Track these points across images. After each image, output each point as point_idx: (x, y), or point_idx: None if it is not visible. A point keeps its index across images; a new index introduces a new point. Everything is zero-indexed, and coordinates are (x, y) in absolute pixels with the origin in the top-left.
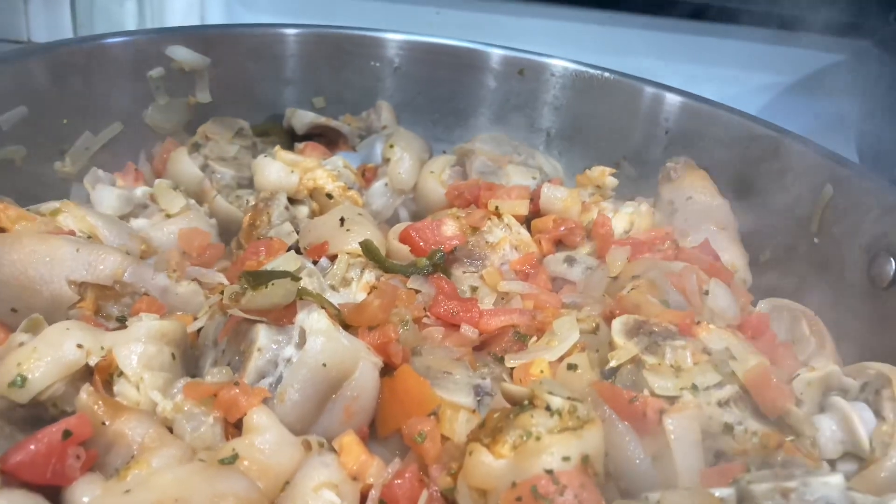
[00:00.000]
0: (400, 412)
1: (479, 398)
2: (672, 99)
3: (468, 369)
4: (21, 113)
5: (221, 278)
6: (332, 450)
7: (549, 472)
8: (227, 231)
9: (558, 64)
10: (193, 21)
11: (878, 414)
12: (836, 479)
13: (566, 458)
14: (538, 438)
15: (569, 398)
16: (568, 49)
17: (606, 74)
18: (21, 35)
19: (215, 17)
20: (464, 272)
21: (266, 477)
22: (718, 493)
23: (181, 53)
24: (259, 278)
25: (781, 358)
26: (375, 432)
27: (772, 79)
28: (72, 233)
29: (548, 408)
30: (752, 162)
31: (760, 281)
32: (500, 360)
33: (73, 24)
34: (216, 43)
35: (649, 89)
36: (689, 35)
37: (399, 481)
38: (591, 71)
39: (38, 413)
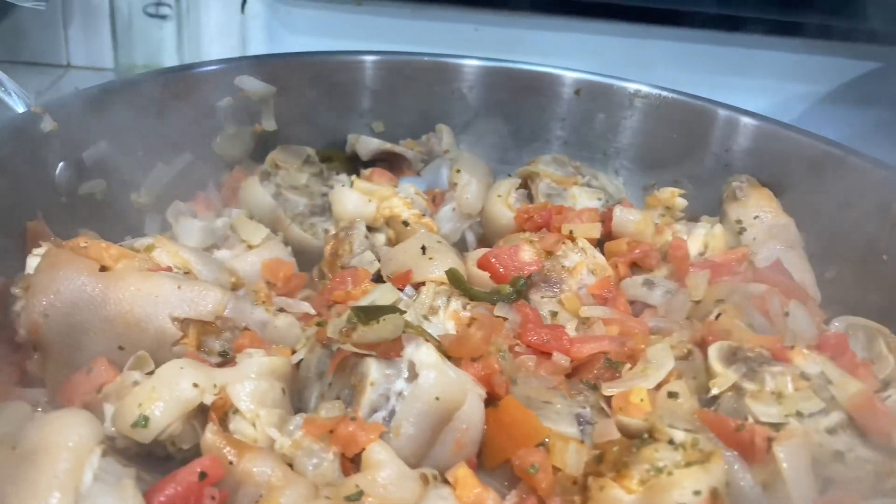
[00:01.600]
0: (507, 443)
1: (581, 427)
2: (733, 118)
3: (566, 398)
4: (102, 148)
5: (307, 308)
6: (447, 483)
7: None
8: (301, 259)
9: (616, 84)
10: (232, 45)
11: None
12: None
13: (697, 493)
14: (670, 474)
15: (689, 430)
16: (600, 63)
17: (665, 94)
18: (61, 60)
19: (255, 41)
20: (542, 297)
21: None
22: None
23: (250, 83)
24: (369, 314)
25: (862, 378)
26: (480, 464)
27: (807, 88)
28: (168, 269)
29: (670, 441)
30: (815, 179)
31: (829, 299)
32: (593, 388)
33: (114, 50)
34: (280, 71)
35: (708, 108)
36: (721, 47)
37: None
38: (651, 90)
39: (151, 450)
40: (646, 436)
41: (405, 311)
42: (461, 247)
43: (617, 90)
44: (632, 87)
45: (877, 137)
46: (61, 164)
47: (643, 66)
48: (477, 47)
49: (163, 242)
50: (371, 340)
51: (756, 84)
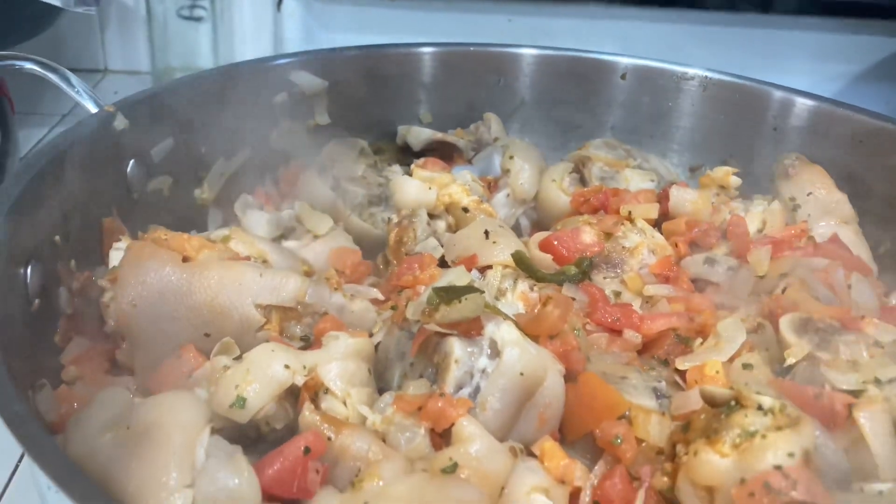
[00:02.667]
0: (589, 417)
1: (659, 401)
2: (777, 95)
3: (641, 373)
4: (169, 145)
5: (377, 294)
6: (533, 455)
7: (778, 467)
8: (362, 248)
9: (659, 66)
10: (266, 44)
11: None
12: None
13: (791, 455)
14: (763, 437)
15: (777, 396)
16: (631, 49)
17: (712, 75)
18: (98, 64)
19: (291, 39)
20: (604, 278)
21: (486, 483)
22: None
23: (304, 78)
24: (451, 294)
25: None
26: (563, 438)
27: (842, 68)
28: (247, 258)
29: (759, 407)
30: (864, 154)
31: (884, 272)
32: (665, 364)
33: (151, 53)
34: (331, 66)
35: (759, 88)
36: (752, 28)
37: (611, 482)
38: (698, 72)
39: (244, 431)
40: (733, 403)
41: (483, 292)
42: (516, 232)
43: (665, 73)
44: (679, 69)
45: None
46: (132, 162)
47: (675, 50)
48: (510, 37)
49: (238, 233)
50: (454, 319)
51: (789, 65)
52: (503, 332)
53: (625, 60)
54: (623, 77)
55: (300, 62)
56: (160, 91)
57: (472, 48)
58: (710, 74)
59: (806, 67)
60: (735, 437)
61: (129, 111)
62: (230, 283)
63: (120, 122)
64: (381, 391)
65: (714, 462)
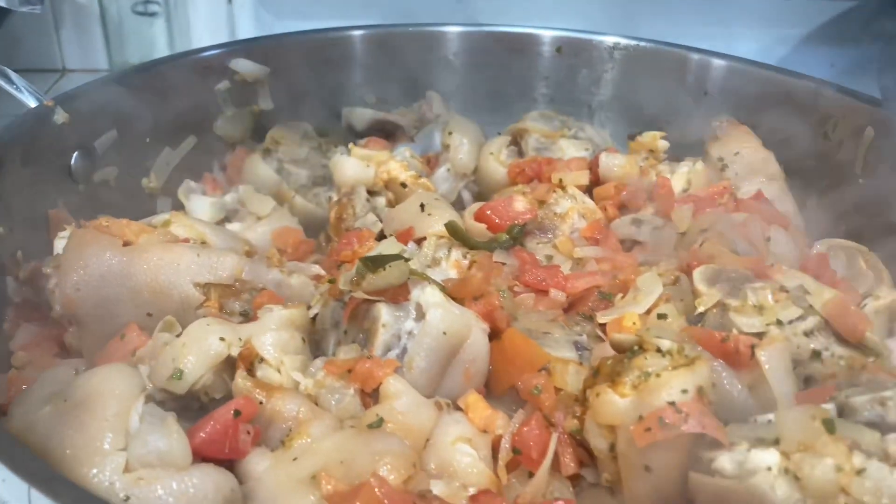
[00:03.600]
0: (512, 371)
1: (579, 353)
2: (707, 61)
3: (564, 328)
4: (112, 136)
5: (318, 270)
6: (459, 409)
7: (672, 403)
8: (308, 227)
9: (594, 38)
10: (222, 36)
11: None
12: None
13: (684, 391)
14: (658, 376)
15: (677, 340)
16: (582, 20)
17: (643, 44)
18: (56, 63)
19: (245, 31)
20: (537, 243)
21: (410, 436)
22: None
23: (244, 65)
24: (376, 262)
25: (844, 292)
26: (490, 392)
27: (786, 31)
28: (186, 240)
29: (658, 350)
30: (791, 114)
31: (812, 225)
32: (589, 319)
33: (107, 49)
34: (272, 52)
35: (687, 55)
36: None
37: (527, 428)
38: (630, 42)
39: (186, 404)
40: (636, 348)
41: (410, 259)
42: (458, 205)
43: (596, 45)
44: (610, 40)
45: (858, 74)
46: (76, 154)
47: (626, 20)
48: (460, 17)
49: (178, 217)
50: (380, 287)
51: (736, 31)
52: (427, 296)
53: (556, 33)
54: (559, 50)
55: (240, 50)
56: (101, 84)
57: (402, 28)
58: (640, 43)
59: (753, 33)
60: (635, 379)
61: (68, 105)
62: (169, 264)
63: (60, 116)
64: (318, 358)
65: (614, 402)
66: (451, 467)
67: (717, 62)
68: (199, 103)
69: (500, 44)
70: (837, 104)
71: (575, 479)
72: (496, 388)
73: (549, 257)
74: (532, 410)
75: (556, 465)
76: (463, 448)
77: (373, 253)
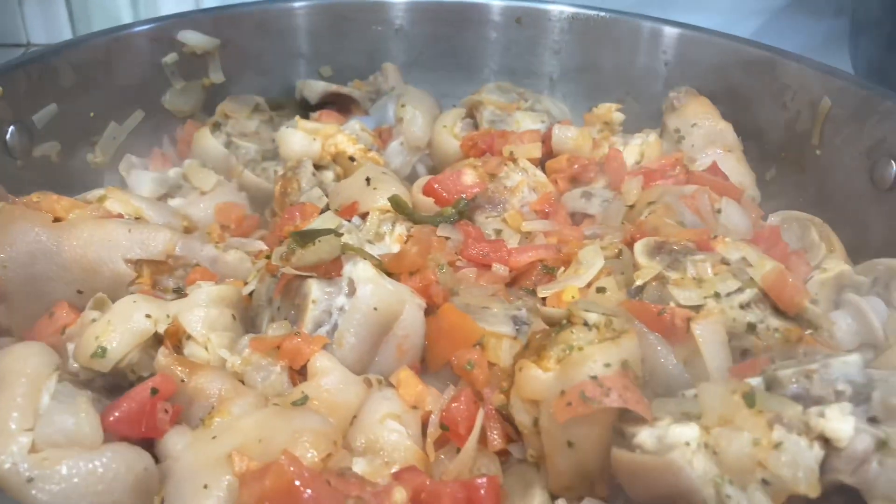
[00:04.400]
0: (447, 346)
1: (517, 327)
2: (668, 31)
3: (504, 303)
4: (52, 111)
5: (261, 245)
6: (391, 385)
7: (594, 377)
8: (257, 202)
9: (554, 9)
10: (188, 5)
11: (890, 304)
12: (854, 358)
13: (608, 365)
14: (580, 349)
15: (604, 313)
16: None
17: (602, 14)
18: (20, 38)
19: (209, 1)
20: (486, 217)
21: (335, 413)
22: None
23: (192, 37)
24: (306, 237)
25: (795, 265)
26: (426, 368)
27: (762, 4)
28: (120, 216)
29: (585, 323)
30: (750, 84)
31: (770, 196)
32: (532, 293)
33: (71, 23)
34: (223, 23)
35: (645, 24)
36: None
37: (456, 404)
38: (587, 12)
39: (117, 382)
40: (564, 322)
41: (341, 234)
42: (412, 179)
43: (554, 15)
44: (568, 10)
45: (833, 46)
46: (11, 129)
47: None
48: None
49: (114, 192)
50: (310, 262)
51: (707, 3)
52: (359, 271)
53: (507, 3)
54: (518, 21)
55: (188, 21)
56: (38, 56)
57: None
58: (594, 13)
59: (725, 4)
60: (559, 352)
61: (2, 78)
62: (99, 240)
63: None
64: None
65: (537, 376)
66: (377, 444)
67: (678, 31)
68: (147, 76)
69: (451, 14)
70: (795, 74)
71: (503, 455)
72: (432, 364)
73: (499, 231)
74: (464, 386)
75: (484, 441)
76: (391, 425)
77: (309, 227)
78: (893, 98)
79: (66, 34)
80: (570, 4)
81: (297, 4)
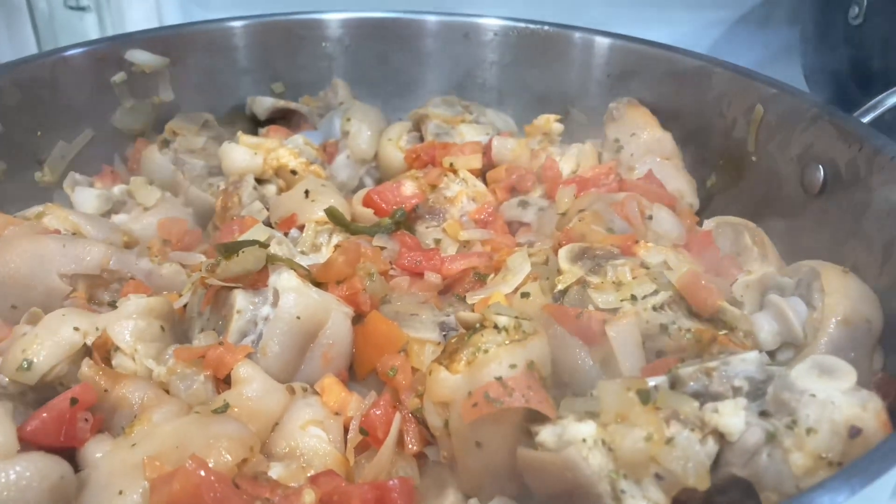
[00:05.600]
0: (374, 353)
1: (444, 333)
2: (606, 42)
3: (434, 310)
4: None
5: (201, 258)
6: (315, 393)
7: (499, 378)
8: (204, 217)
9: (497, 23)
10: (152, 25)
11: (810, 304)
12: (753, 355)
13: (513, 366)
14: (486, 351)
15: (515, 317)
16: (517, 6)
17: (545, 28)
18: None
19: (172, 19)
20: (426, 227)
21: (256, 420)
22: (653, 381)
23: (140, 57)
24: (231, 248)
25: (726, 269)
26: (354, 375)
27: (719, 14)
28: (57, 232)
29: (496, 326)
30: (688, 92)
31: (710, 203)
32: (463, 300)
33: (37, 39)
34: (172, 43)
35: (586, 36)
36: None
37: (375, 409)
38: (530, 26)
39: (47, 395)
40: (478, 325)
41: (268, 245)
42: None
43: (497, 29)
44: (510, 24)
45: (790, 56)
46: None
47: (567, 6)
48: (391, 4)
49: (53, 209)
50: (235, 273)
51: (670, 15)
52: (283, 281)
53: (432, 18)
54: (466, 36)
55: (136, 41)
56: None
57: (296, 16)
58: (530, 26)
59: (684, 17)
60: (469, 355)
61: None
62: (33, 256)
63: None
64: None
65: (445, 379)
66: (298, 450)
67: (617, 43)
68: (95, 95)
69: (398, 30)
70: (730, 82)
71: (420, 458)
72: (360, 371)
73: (438, 241)
74: (387, 392)
75: (401, 444)
76: (313, 430)
77: (239, 239)
78: (820, 105)
79: (32, 49)
80: (511, 19)
81: (246, 22)
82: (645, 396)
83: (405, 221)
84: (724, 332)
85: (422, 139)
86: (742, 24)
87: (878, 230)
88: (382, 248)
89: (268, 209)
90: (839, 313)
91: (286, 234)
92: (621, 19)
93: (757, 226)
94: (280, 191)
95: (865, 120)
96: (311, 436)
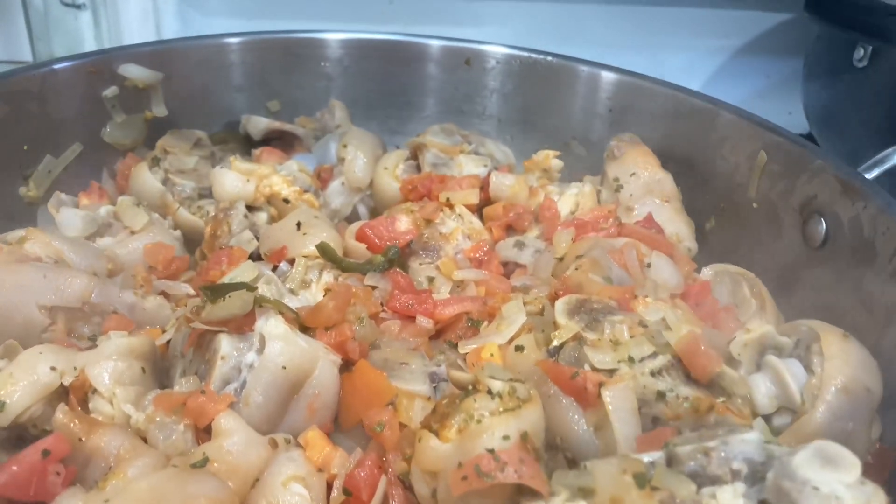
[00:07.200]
0: (360, 405)
1: (434, 385)
2: (611, 77)
3: (424, 358)
4: None
5: (188, 289)
6: (299, 445)
7: (491, 451)
8: (193, 242)
9: (501, 51)
10: (149, 30)
11: (809, 368)
12: (753, 436)
13: (506, 438)
14: (479, 421)
15: (510, 380)
16: (520, 35)
17: (549, 58)
18: None
19: (170, 25)
20: (420, 264)
21: (236, 476)
22: (648, 457)
23: (133, 71)
24: (216, 292)
25: (723, 322)
26: (340, 426)
27: (722, 42)
28: (39, 259)
29: (489, 391)
30: (691, 133)
31: (708, 248)
32: (455, 347)
33: (30, 36)
34: (167, 58)
35: (588, 69)
36: (636, 6)
37: (360, 469)
38: (534, 56)
39: (20, 434)
40: (470, 388)
41: (255, 288)
42: (354, 220)
43: (500, 57)
44: (514, 52)
45: (792, 86)
46: None
47: (559, 33)
48: (393, 21)
49: (34, 234)
50: (220, 317)
51: (670, 41)
52: (269, 327)
53: (434, 42)
54: (468, 62)
55: (130, 55)
56: None
57: (311, 35)
58: (532, 56)
59: (686, 43)
60: (461, 422)
61: None
62: (11, 286)
63: None
64: (166, 389)
65: (435, 448)
66: None
67: (620, 78)
68: (86, 109)
69: (398, 52)
70: (734, 126)
71: None
72: (345, 422)
73: (431, 279)
74: (373, 449)
75: None
76: (294, 488)
77: (226, 278)
78: (825, 157)
79: (26, 51)
80: (515, 48)
81: (242, 39)
82: (642, 481)
83: (398, 259)
84: (721, 399)
85: (419, 168)
86: (744, 53)
87: (880, 292)
88: (374, 288)
89: (258, 238)
90: (839, 381)
91: (275, 268)
92: (623, 44)
93: (755, 276)
94: (272, 219)
95: (871, 176)
96: (293, 493)
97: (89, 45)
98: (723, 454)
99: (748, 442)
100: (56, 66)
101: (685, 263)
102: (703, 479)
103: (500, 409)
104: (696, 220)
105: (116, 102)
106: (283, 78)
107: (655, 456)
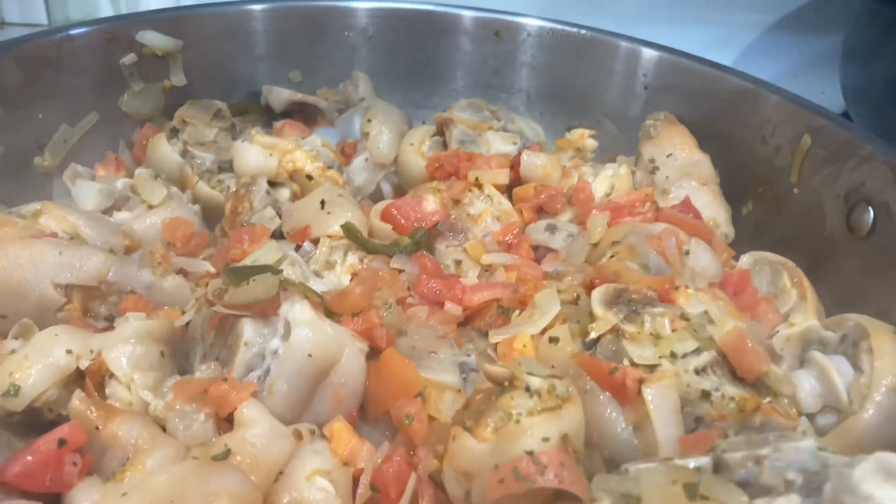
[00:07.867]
0: (387, 395)
1: (464, 375)
2: (649, 54)
3: (453, 347)
4: None
5: (208, 267)
6: (324, 436)
7: (530, 453)
8: (211, 216)
9: (533, 23)
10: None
11: (856, 366)
12: (808, 444)
13: (546, 439)
14: (518, 421)
15: (548, 376)
16: (546, 8)
17: (583, 32)
18: None
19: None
20: (447, 246)
21: (259, 470)
22: (695, 462)
23: (152, 38)
24: (240, 274)
25: (763, 313)
26: (365, 415)
27: (755, 18)
28: (54, 234)
29: (527, 388)
30: (731, 114)
31: (744, 233)
32: (485, 335)
33: (46, 3)
34: (187, 25)
35: (625, 44)
36: None
37: (388, 465)
38: (568, 29)
39: (34, 417)
40: (506, 384)
41: (280, 271)
42: (377, 197)
43: (531, 29)
44: (546, 25)
45: (826, 64)
46: None
47: (593, 5)
48: None
49: (49, 208)
50: (243, 301)
51: (703, 15)
52: (295, 312)
53: (465, 13)
54: (497, 34)
55: (148, 21)
56: None
57: (336, 3)
58: (571, 29)
59: (717, 18)
60: (498, 421)
61: None
62: (26, 262)
63: None
64: (185, 373)
65: (471, 448)
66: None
67: (658, 55)
68: (103, 77)
69: (425, 23)
70: (776, 108)
71: None
72: (372, 412)
73: (458, 262)
74: (401, 442)
75: None
76: (319, 482)
77: (248, 258)
78: (874, 142)
79: (41, 14)
80: (549, 20)
81: (265, 6)
82: (693, 492)
83: (425, 241)
84: (767, 398)
85: (445, 145)
86: (777, 29)
87: None
88: (401, 271)
89: (280, 216)
90: (890, 380)
91: (298, 248)
92: (652, 18)
93: (796, 265)
94: (294, 196)
95: None
96: (318, 488)
97: (105, 9)
98: (776, 462)
99: (802, 450)
100: (73, 32)
101: (723, 251)
102: (754, 489)
103: (539, 409)
104: (733, 205)
105: (134, 70)
106: (305, 48)
107: (702, 461)
